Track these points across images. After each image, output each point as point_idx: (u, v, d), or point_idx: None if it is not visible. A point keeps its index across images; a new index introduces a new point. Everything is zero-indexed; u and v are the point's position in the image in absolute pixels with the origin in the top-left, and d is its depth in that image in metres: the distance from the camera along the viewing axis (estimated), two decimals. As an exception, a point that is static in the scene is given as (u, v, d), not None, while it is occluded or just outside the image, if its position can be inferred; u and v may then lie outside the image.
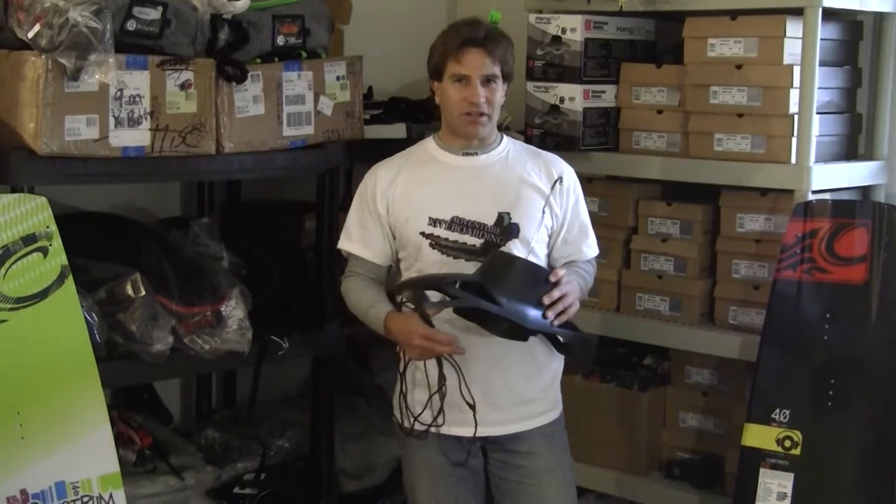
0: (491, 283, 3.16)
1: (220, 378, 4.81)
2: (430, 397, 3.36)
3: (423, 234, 3.36)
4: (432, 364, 3.35)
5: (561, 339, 3.34)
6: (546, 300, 3.20)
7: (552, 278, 3.23)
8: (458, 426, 3.39)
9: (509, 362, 3.36)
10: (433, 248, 3.35)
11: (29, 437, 3.25)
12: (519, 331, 3.23)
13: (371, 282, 3.45)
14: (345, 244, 3.49)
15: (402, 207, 3.39)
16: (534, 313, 3.19)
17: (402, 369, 3.42)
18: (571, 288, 3.26)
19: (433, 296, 3.22)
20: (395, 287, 3.30)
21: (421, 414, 3.38)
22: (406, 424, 3.41)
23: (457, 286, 3.20)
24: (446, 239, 3.34)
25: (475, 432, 3.37)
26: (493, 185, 3.38)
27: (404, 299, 3.25)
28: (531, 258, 3.37)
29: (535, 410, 3.45)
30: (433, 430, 3.39)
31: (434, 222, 3.35)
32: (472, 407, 3.34)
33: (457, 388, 3.34)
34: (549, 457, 3.47)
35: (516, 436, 3.43)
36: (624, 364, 4.52)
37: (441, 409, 3.35)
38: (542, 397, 3.47)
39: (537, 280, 3.22)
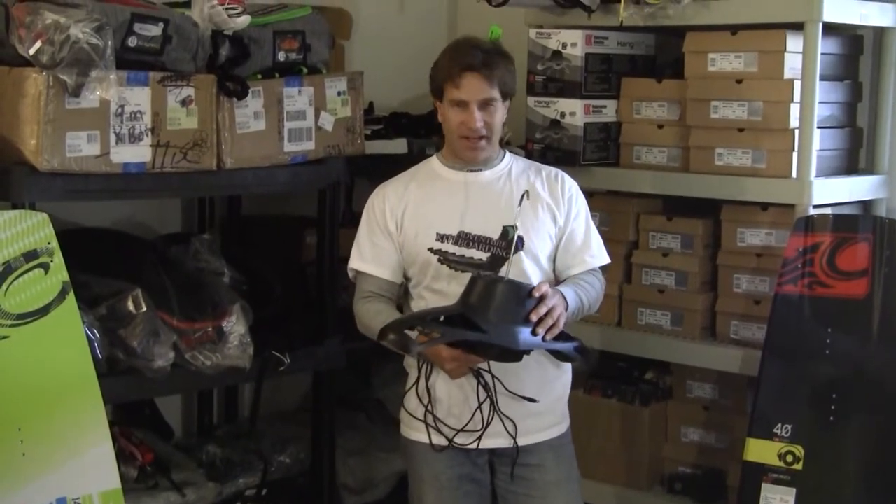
0: (473, 312, 3.13)
1: (221, 393, 4.81)
2: (478, 408, 3.35)
3: (431, 249, 3.38)
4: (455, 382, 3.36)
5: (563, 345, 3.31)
6: (534, 317, 3.17)
7: (536, 293, 3.19)
8: (467, 439, 3.40)
9: (519, 375, 3.36)
10: (441, 262, 3.37)
11: (30, 453, 3.24)
12: (510, 353, 3.21)
13: (389, 303, 3.43)
14: (357, 264, 3.47)
15: (411, 224, 3.40)
16: (523, 333, 3.15)
17: (420, 385, 3.41)
18: (557, 300, 3.23)
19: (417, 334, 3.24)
20: (378, 334, 3.27)
21: (466, 425, 3.38)
22: (436, 441, 3.40)
23: (440, 320, 3.19)
24: (454, 254, 3.36)
25: (478, 444, 3.39)
26: (498, 199, 3.40)
27: (390, 345, 3.23)
28: (536, 269, 3.39)
29: (544, 423, 3.46)
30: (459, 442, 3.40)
31: (441, 238, 3.37)
32: (512, 420, 3.37)
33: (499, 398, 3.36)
34: (557, 470, 3.47)
35: (525, 448, 3.43)
36: (625, 378, 4.52)
37: (490, 418, 3.36)
38: (551, 410, 3.47)
39: (521, 298, 3.17)
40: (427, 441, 3.42)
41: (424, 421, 3.40)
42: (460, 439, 3.39)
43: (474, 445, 3.38)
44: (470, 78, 3.32)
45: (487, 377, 3.34)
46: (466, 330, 3.13)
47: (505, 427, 3.38)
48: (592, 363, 3.45)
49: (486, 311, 3.12)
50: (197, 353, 3.75)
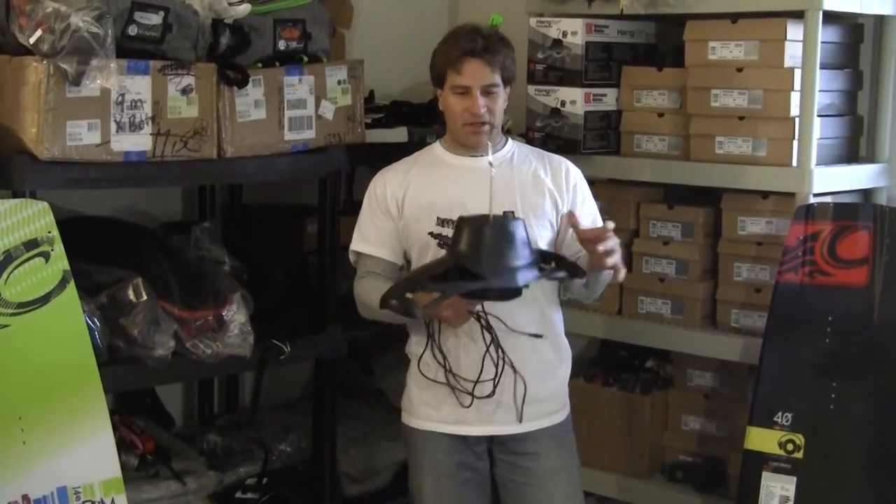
0: (466, 260, 3.07)
1: (222, 382, 4.81)
2: (485, 353, 3.35)
3: (431, 233, 3.38)
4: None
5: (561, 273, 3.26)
6: (601, 248, 3.18)
7: (605, 232, 3.21)
8: (467, 425, 3.41)
9: (520, 362, 3.37)
10: (441, 247, 3.37)
11: (31, 441, 3.25)
12: (509, 291, 3.14)
13: (386, 280, 3.42)
14: (361, 246, 3.48)
15: (412, 208, 3.41)
16: (519, 269, 3.08)
17: (433, 346, 3.41)
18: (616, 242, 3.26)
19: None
20: (379, 302, 3.25)
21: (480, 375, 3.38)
22: (462, 401, 3.39)
23: (438, 275, 3.14)
24: None
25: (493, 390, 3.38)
26: (499, 184, 3.39)
27: (393, 311, 3.20)
28: None
29: (544, 410, 3.46)
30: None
31: (442, 222, 3.38)
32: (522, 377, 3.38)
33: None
34: (557, 458, 3.48)
35: (525, 436, 3.44)
36: (626, 367, 4.52)
37: (501, 367, 3.36)
38: (551, 397, 3.48)
39: (508, 232, 3.10)
40: (429, 429, 3.43)
41: (447, 383, 3.39)
42: (479, 392, 3.38)
43: (489, 393, 3.37)
44: (471, 63, 3.32)
45: (488, 318, 3.32)
46: (465, 281, 3.07)
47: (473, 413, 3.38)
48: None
49: (479, 257, 3.06)
50: (197, 341, 3.75)
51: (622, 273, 3.28)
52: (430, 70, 3.42)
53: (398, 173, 3.48)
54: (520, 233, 3.11)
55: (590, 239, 3.24)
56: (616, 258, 3.22)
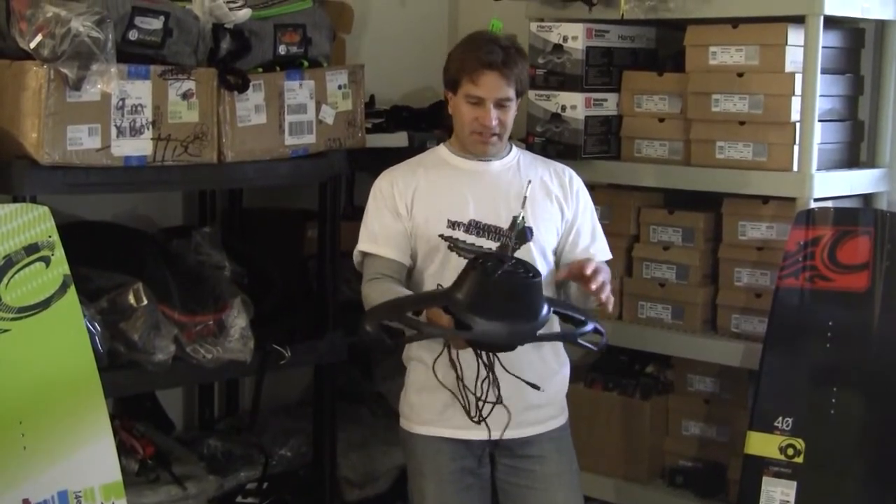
0: (458, 308, 2.98)
1: (222, 387, 4.81)
2: (479, 383, 3.29)
3: (442, 236, 3.37)
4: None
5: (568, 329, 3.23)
6: (593, 286, 3.16)
7: (587, 271, 3.18)
8: (470, 430, 3.39)
9: (521, 366, 3.36)
10: (451, 249, 3.36)
11: (31, 446, 3.25)
12: (502, 346, 3.12)
13: (399, 283, 3.38)
14: (369, 246, 3.42)
15: (422, 209, 3.39)
16: (517, 327, 3.01)
17: (444, 356, 3.34)
18: (607, 276, 3.24)
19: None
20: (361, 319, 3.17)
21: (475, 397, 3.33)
22: (473, 413, 3.33)
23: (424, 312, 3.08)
24: (464, 242, 3.36)
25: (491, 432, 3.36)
26: (508, 189, 3.40)
27: (367, 336, 3.10)
28: (543, 261, 3.39)
29: (544, 415, 3.47)
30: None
31: (453, 225, 3.37)
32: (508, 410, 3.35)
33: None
34: (558, 462, 3.48)
35: (526, 440, 3.44)
36: (626, 372, 4.52)
37: (495, 399, 3.32)
38: (551, 402, 3.48)
39: (516, 289, 3.01)
40: (431, 434, 3.42)
41: (460, 391, 3.31)
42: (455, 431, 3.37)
43: (479, 423, 3.33)
44: (488, 76, 3.31)
45: (487, 355, 3.27)
46: (450, 328, 3.02)
47: (506, 408, 3.35)
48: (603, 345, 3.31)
49: (473, 309, 2.96)
50: (198, 346, 3.75)
51: (610, 306, 3.26)
52: (444, 73, 3.41)
53: (406, 173, 3.46)
54: (533, 290, 3.03)
55: (575, 276, 3.25)
56: (607, 291, 3.22)
